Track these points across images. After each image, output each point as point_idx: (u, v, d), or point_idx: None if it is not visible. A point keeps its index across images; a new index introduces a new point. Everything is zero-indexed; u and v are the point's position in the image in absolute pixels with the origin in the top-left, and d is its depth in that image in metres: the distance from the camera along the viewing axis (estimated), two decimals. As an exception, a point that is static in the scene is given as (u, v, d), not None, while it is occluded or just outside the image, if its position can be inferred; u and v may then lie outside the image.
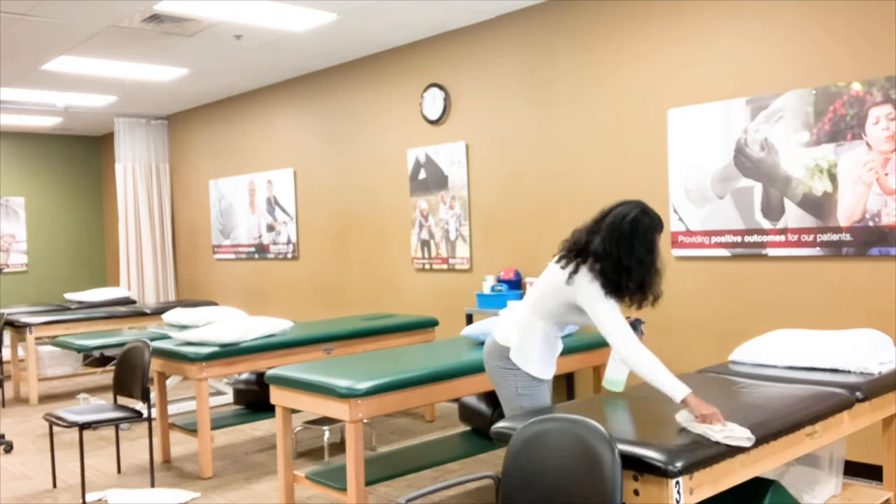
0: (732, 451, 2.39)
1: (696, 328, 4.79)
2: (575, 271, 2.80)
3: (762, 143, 4.43)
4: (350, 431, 3.51)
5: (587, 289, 2.77)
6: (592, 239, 2.81)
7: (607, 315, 2.74)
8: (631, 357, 2.68)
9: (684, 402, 2.52)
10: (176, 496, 4.37)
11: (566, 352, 4.41)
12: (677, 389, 2.55)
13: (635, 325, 3.01)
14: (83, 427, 4.29)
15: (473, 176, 6.16)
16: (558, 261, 2.93)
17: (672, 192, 4.84)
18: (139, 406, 5.71)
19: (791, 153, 4.31)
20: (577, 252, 2.84)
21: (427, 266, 6.57)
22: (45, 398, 7.35)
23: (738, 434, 2.38)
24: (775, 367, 3.40)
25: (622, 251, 2.73)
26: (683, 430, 2.45)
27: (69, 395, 7.40)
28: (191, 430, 4.94)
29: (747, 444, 2.39)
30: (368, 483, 3.65)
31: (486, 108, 6.03)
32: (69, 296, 8.79)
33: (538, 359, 3.00)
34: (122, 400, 4.76)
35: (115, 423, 4.42)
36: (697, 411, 2.47)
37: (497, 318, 3.20)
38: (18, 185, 10.89)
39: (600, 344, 4.57)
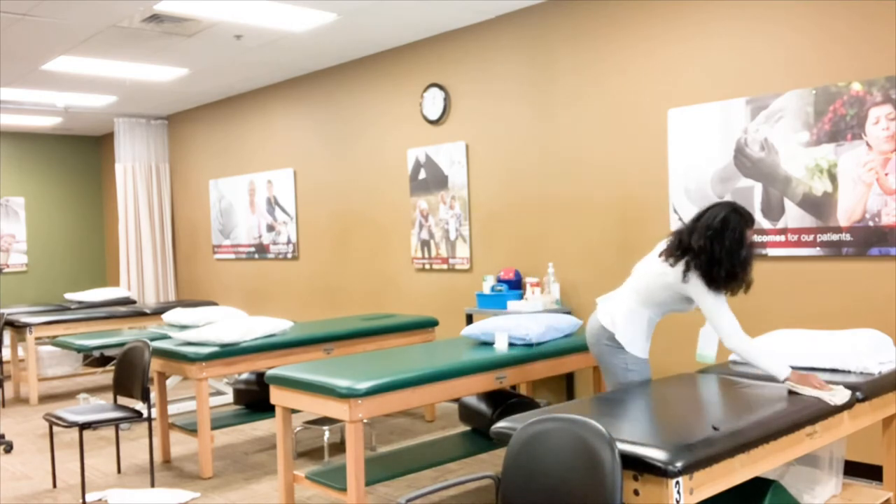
0: (732, 451, 2.39)
1: (696, 328, 4.77)
2: (687, 269, 3.16)
3: (762, 143, 4.43)
4: (350, 431, 3.51)
5: (697, 284, 3.15)
6: (691, 238, 3.16)
7: (716, 309, 3.13)
8: (738, 348, 3.07)
9: (787, 381, 2.94)
10: (176, 496, 4.37)
11: (567, 352, 4.44)
12: (779, 371, 2.97)
13: None
14: (83, 427, 4.29)
15: (473, 176, 6.16)
16: (665, 259, 3.25)
17: (672, 191, 4.84)
18: (139, 406, 5.71)
19: (791, 153, 4.31)
20: (682, 251, 3.19)
21: (427, 266, 6.57)
22: (45, 398, 7.35)
23: (841, 395, 2.87)
24: (775, 366, 3.40)
25: (715, 245, 3.09)
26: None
27: (69, 395, 7.40)
28: (191, 430, 4.94)
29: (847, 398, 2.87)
30: (368, 483, 3.65)
31: (486, 108, 6.03)
32: (69, 296, 8.78)
33: (642, 341, 3.38)
34: (122, 400, 4.76)
35: (115, 423, 4.42)
36: (802, 386, 2.90)
37: (603, 300, 3.55)
38: (18, 185, 10.89)
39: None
